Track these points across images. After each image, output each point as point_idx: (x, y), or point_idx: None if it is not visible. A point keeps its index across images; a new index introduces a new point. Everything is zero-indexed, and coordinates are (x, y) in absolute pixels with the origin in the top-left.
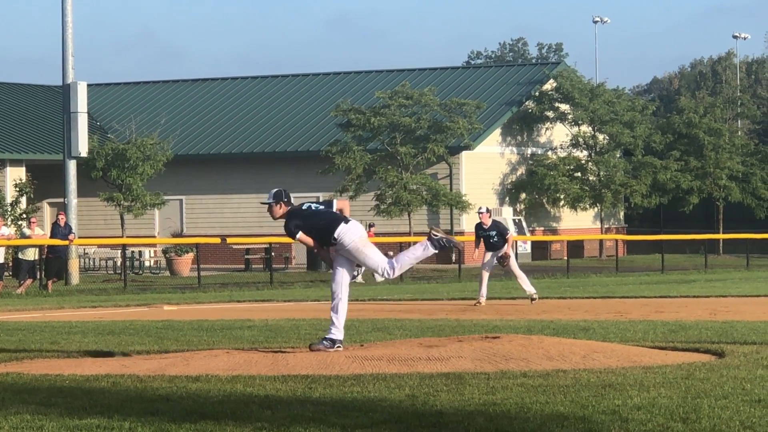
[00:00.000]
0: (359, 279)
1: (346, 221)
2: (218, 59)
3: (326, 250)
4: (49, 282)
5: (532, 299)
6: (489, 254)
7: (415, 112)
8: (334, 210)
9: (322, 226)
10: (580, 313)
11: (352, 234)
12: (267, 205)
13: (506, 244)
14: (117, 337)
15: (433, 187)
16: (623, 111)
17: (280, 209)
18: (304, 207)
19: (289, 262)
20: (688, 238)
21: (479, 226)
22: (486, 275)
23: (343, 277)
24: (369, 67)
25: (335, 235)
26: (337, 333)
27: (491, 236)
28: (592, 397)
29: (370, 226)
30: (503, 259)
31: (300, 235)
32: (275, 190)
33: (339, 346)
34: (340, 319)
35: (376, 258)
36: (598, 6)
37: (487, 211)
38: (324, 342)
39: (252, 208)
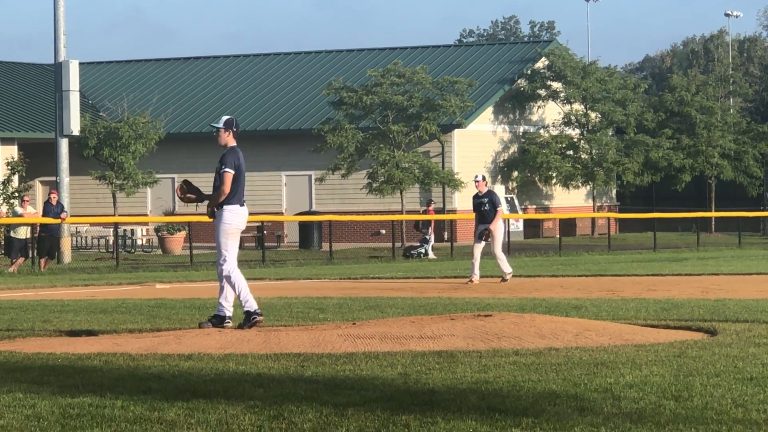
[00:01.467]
0: (431, 255)
1: (243, 204)
2: (208, 38)
3: (212, 210)
4: (42, 261)
5: (504, 279)
6: (481, 227)
7: (407, 91)
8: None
9: (236, 187)
10: (572, 291)
11: (236, 217)
12: (215, 129)
13: (494, 219)
14: (109, 316)
15: (426, 166)
16: (615, 89)
17: (228, 136)
18: (241, 157)
19: (282, 241)
20: (680, 216)
21: (475, 196)
22: (478, 252)
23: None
24: (361, 46)
25: (228, 207)
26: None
27: (483, 203)
28: (584, 375)
29: (429, 201)
30: (484, 235)
31: (229, 175)
32: (226, 117)
33: (228, 323)
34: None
35: (224, 251)
36: None
37: (483, 179)
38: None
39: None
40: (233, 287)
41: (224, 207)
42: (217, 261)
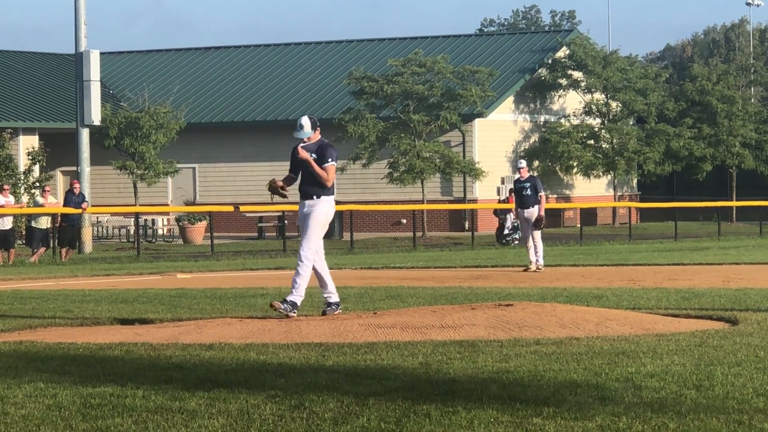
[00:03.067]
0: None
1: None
2: (228, 29)
3: (284, 192)
4: (63, 250)
5: (528, 269)
6: (524, 217)
7: (428, 80)
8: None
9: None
10: (593, 280)
11: (331, 209)
12: (305, 137)
13: (539, 205)
14: (130, 306)
15: (446, 155)
16: (636, 78)
17: (317, 135)
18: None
19: None
20: (701, 206)
21: (516, 181)
22: (534, 238)
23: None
24: (381, 35)
25: (325, 198)
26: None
27: (525, 187)
28: (605, 365)
29: (511, 190)
30: (538, 223)
31: (333, 167)
32: (305, 121)
33: (294, 312)
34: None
35: (310, 241)
36: None
37: (526, 165)
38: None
39: (265, 176)
40: (297, 271)
41: (321, 197)
42: (300, 248)
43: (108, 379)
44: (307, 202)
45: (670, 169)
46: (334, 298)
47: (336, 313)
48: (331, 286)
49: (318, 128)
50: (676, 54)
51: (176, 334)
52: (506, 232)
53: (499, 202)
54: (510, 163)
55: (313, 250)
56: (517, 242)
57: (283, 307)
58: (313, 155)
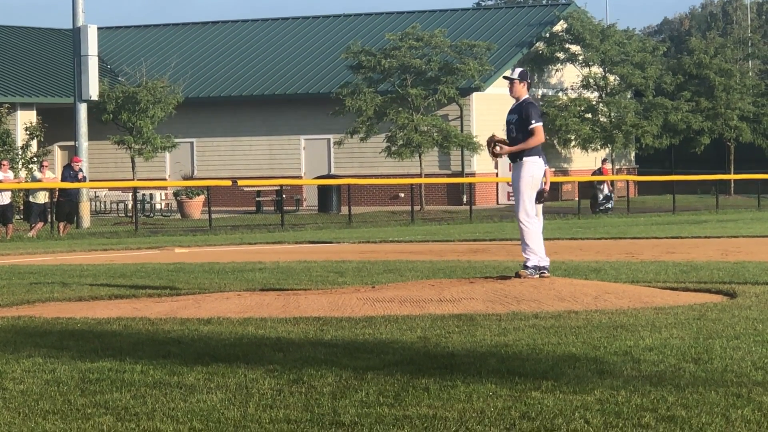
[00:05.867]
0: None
1: (541, 155)
2: (226, 2)
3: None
4: (61, 225)
5: None
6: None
7: (426, 54)
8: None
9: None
10: (591, 254)
11: (538, 169)
12: (509, 81)
13: (546, 180)
14: (128, 280)
15: (444, 129)
16: (634, 52)
17: (522, 88)
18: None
19: (300, 204)
20: (699, 179)
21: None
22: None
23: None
24: (379, 9)
25: (529, 158)
26: (534, 258)
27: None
28: (603, 338)
29: (604, 160)
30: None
31: (540, 127)
32: (521, 69)
33: (544, 272)
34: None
35: (524, 204)
36: None
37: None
38: (527, 269)
39: (263, 151)
40: (522, 234)
41: (525, 159)
42: (515, 212)
43: (106, 354)
44: (514, 165)
45: (668, 143)
46: (533, 261)
47: (535, 276)
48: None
49: (526, 83)
50: (673, 27)
51: (174, 309)
52: (600, 201)
53: (593, 173)
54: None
55: (528, 211)
56: (611, 211)
57: (527, 272)
58: (515, 117)
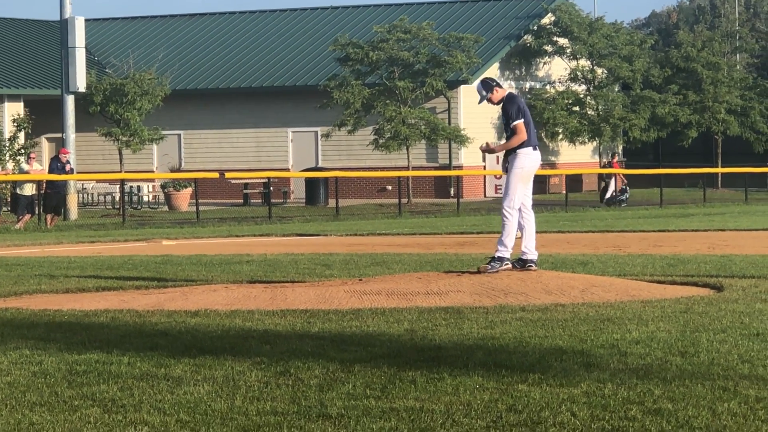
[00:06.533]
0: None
1: (535, 147)
2: None
3: (504, 161)
4: (48, 217)
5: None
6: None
7: (414, 47)
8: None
9: (528, 131)
10: (578, 247)
11: (529, 161)
12: (484, 99)
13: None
14: (116, 272)
15: (432, 121)
16: (622, 45)
17: (499, 93)
18: (521, 102)
19: (288, 197)
20: (686, 172)
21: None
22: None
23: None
24: (367, 2)
25: (522, 150)
26: (505, 252)
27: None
28: (590, 331)
29: (614, 154)
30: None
31: (520, 124)
32: (481, 82)
33: (507, 264)
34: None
35: (510, 195)
36: None
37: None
38: (492, 263)
39: (250, 143)
40: (502, 227)
41: (518, 151)
42: (502, 201)
43: (93, 346)
44: (508, 158)
45: (656, 136)
46: (530, 255)
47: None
48: (530, 245)
49: (497, 87)
50: (661, 20)
51: (162, 301)
52: (608, 195)
53: (602, 166)
54: (495, 130)
55: (513, 203)
56: (624, 204)
57: (489, 266)
58: (504, 117)
